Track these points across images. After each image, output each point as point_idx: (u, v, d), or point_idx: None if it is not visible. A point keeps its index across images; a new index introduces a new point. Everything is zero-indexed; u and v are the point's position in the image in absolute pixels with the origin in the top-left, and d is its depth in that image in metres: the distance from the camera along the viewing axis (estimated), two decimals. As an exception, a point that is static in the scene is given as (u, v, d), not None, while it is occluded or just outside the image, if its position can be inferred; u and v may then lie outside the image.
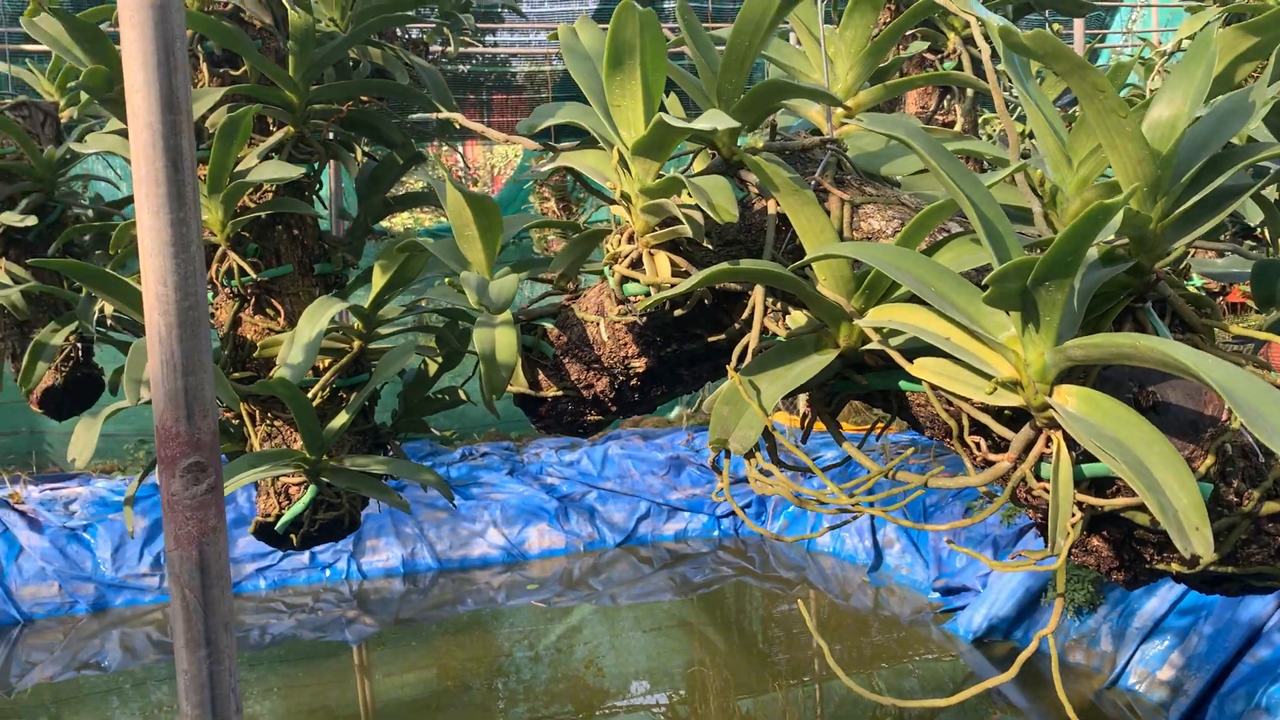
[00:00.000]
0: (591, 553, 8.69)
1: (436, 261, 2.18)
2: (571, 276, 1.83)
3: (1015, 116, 2.98)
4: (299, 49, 2.07)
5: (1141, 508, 1.01)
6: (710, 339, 1.41)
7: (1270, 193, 1.58)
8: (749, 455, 1.20)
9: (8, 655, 7.19)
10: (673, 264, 1.32)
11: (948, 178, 1.02)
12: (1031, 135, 1.67)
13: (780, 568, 8.52)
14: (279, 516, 2.13)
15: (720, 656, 7.14)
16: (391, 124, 2.31)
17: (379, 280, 2.17)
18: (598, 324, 1.63)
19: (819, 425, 1.36)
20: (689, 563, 8.59)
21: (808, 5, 1.55)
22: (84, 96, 2.14)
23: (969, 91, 2.50)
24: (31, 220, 2.70)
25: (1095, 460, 1.03)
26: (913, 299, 1.14)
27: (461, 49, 3.11)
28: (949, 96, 2.56)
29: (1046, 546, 1.08)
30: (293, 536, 2.16)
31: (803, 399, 1.38)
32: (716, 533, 9.04)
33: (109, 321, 2.41)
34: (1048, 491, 1.05)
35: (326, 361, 2.22)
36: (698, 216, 1.21)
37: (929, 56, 2.52)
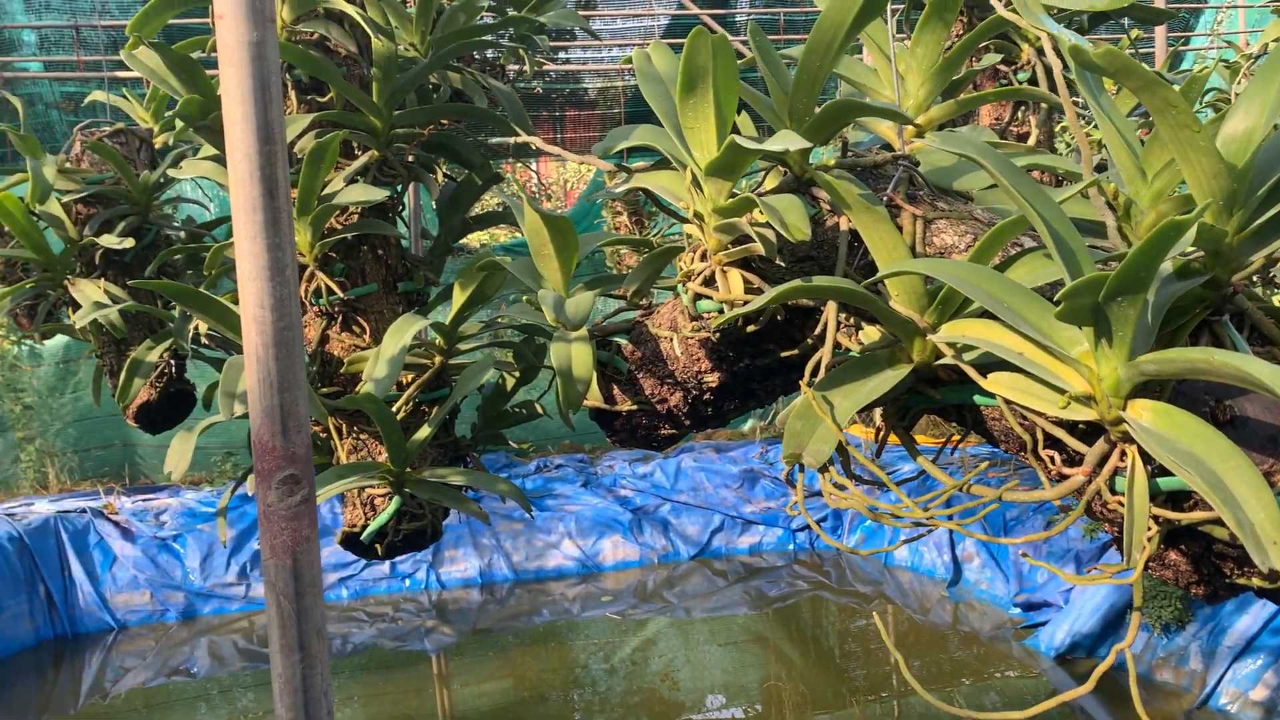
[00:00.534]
0: (665, 565, 8.71)
1: (514, 279, 2.24)
2: (645, 293, 1.87)
3: (1090, 126, 2.95)
4: (382, 75, 2.14)
5: (1219, 522, 1.01)
6: (783, 354, 1.43)
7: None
8: (823, 469, 1.22)
9: (103, 661, 7.45)
10: (745, 281, 1.34)
11: (1019, 195, 1.03)
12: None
13: (857, 582, 8.44)
14: (364, 527, 2.19)
15: (796, 671, 7.09)
16: (470, 146, 2.38)
17: (459, 298, 2.23)
18: (671, 339, 1.66)
19: (893, 439, 1.37)
20: (764, 576, 8.56)
21: (878, 23, 1.56)
22: (179, 124, 2.24)
23: (1042, 103, 2.48)
24: (129, 242, 2.83)
25: (1171, 474, 1.03)
26: (985, 314, 1.15)
27: (535, 68, 3.17)
28: (1023, 107, 2.54)
29: (1123, 559, 1.08)
30: (377, 546, 2.22)
31: (877, 412, 1.39)
32: (792, 546, 9.00)
33: (202, 339, 2.51)
34: (1123, 505, 1.05)
35: (409, 377, 2.29)
36: (770, 234, 1.24)
37: (1002, 68, 2.52)
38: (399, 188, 2.31)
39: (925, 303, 1.20)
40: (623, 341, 1.79)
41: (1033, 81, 2.51)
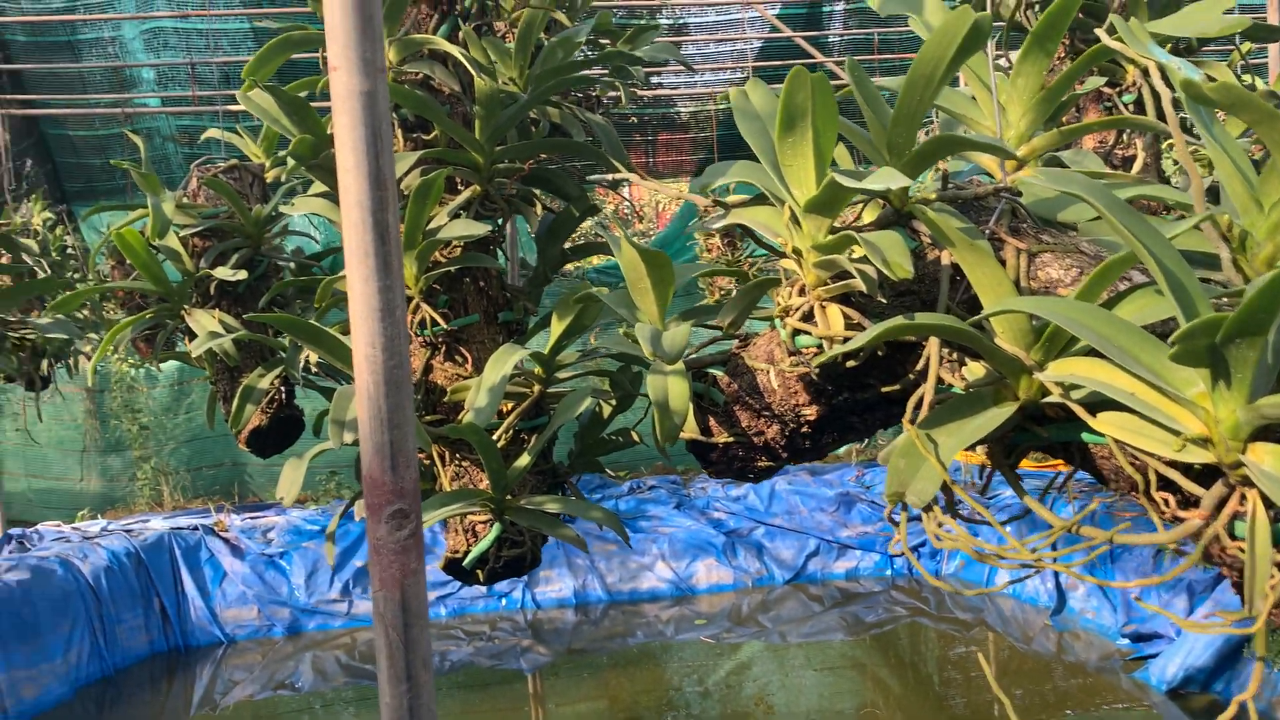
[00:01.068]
0: (760, 589, 8.65)
1: (609, 309, 2.26)
2: (740, 325, 1.88)
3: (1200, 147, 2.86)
4: (485, 113, 2.20)
5: (1347, 571, 0.97)
6: (884, 389, 1.42)
7: None
8: (927, 509, 1.20)
9: (213, 674, 7.71)
10: (845, 316, 1.34)
11: (1128, 232, 1.01)
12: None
13: (957, 609, 8.26)
14: (467, 553, 2.24)
15: (894, 699, 6.96)
16: (568, 178, 2.42)
17: (556, 328, 2.27)
18: (768, 372, 1.66)
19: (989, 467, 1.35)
20: (861, 602, 8.43)
21: (978, 53, 1.55)
22: (291, 161, 2.32)
23: (1152, 123, 2.42)
24: (242, 274, 2.95)
25: (1295, 520, 1.00)
26: (1094, 352, 1.13)
27: (629, 97, 3.21)
28: (1128, 131, 2.48)
29: (1244, 606, 1.04)
30: (479, 572, 2.26)
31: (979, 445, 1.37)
32: (889, 572, 8.85)
33: (312, 368, 2.59)
34: (1243, 552, 1.02)
35: (509, 405, 2.33)
36: (871, 271, 1.23)
37: (1106, 90, 2.46)
38: (499, 221, 2.36)
39: (1031, 340, 1.18)
40: (718, 373, 1.80)
41: (1138, 103, 2.45)
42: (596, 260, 10.82)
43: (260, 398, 2.95)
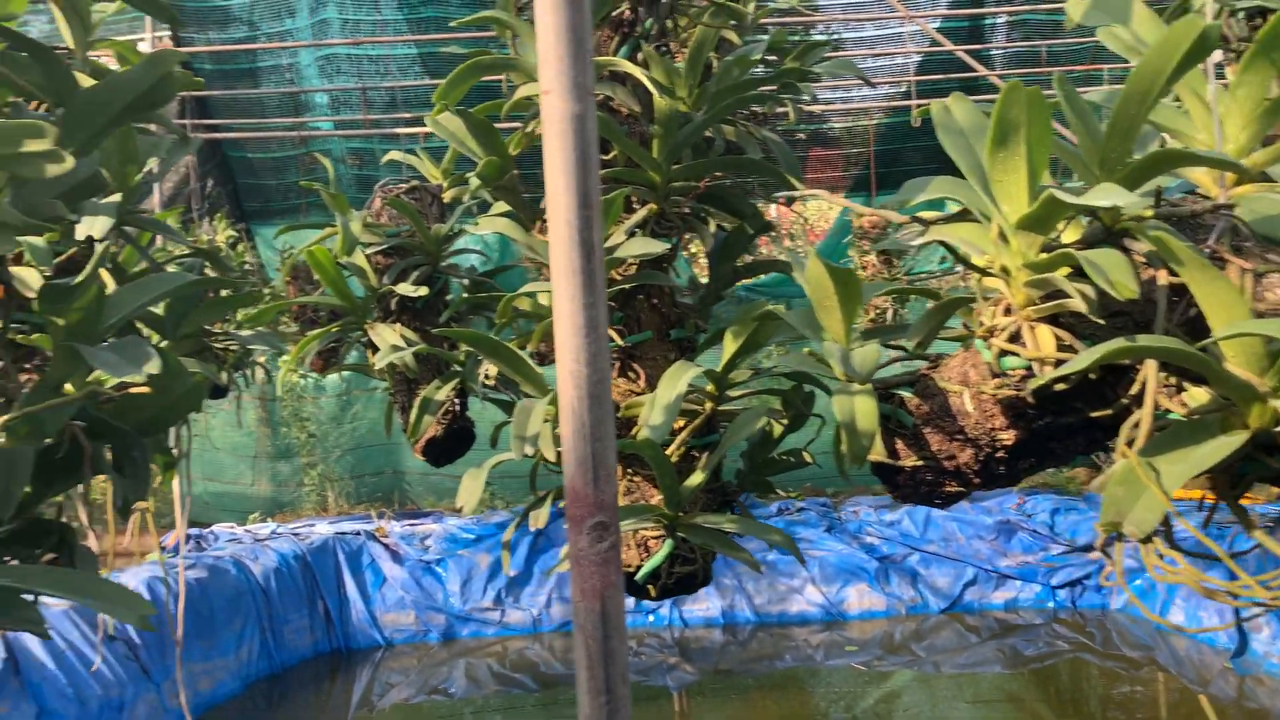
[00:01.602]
0: (913, 617, 8.42)
1: (787, 327, 2.25)
2: (928, 345, 1.83)
3: None
4: (663, 132, 2.22)
5: None
6: (1093, 414, 1.36)
7: None
8: (1146, 540, 1.15)
9: (372, 676, 7.99)
10: (1056, 338, 1.29)
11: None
12: None
13: (1124, 646, 7.85)
14: (638, 568, 2.25)
15: (1054, 737, 6.68)
16: (742, 196, 2.42)
17: (730, 345, 2.26)
18: (962, 394, 1.62)
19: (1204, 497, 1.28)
20: (1020, 634, 8.11)
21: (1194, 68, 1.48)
22: (473, 181, 2.40)
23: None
24: (423, 290, 3.06)
25: None
26: (1340, 379, 1.05)
27: (798, 113, 3.19)
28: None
29: None
30: (650, 588, 2.28)
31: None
32: (1051, 604, 8.49)
33: (487, 381, 2.67)
34: None
35: (681, 422, 2.34)
36: (1089, 291, 1.19)
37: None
38: (674, 240, 2.38)
39: (1265, 364, 1.12)
40: (906, 394, 1.76)
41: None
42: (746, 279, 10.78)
43: (437, 409, 3.05)
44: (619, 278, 2.31)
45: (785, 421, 2.49)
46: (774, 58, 3.09)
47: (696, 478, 2.23)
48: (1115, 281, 1.11)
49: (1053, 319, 1.34)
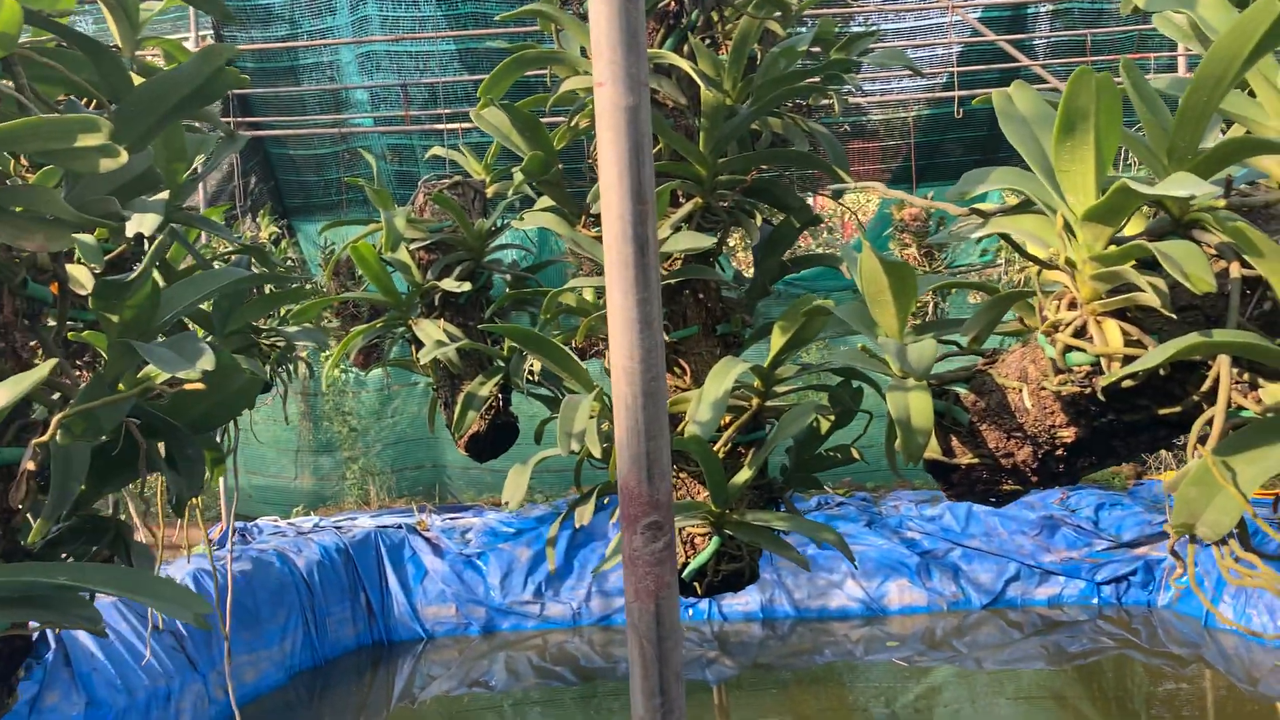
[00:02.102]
0: (955, 613, 8.34)
1: (836, 322, 2.22)
2: (984, 339, 1.80)
3: None
4: (709, 125, 2.20)
5: None
6: (1160, 411, 1.32)
7: None
8: (1221, 542, 1.11)
9: (413, 668, 8.04)
10: (1124, 333, 1.26)
11: None
12: None
13: (1171, 643, 7.73)
14: (685, 565, 2.23)
15: (1097, 734, 6.59)
16: (788, 189, 2.39)
17: (778, 341, 2.23)
18: (1020, 390, 1.58)
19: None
20: (1063, 630, 8.01)
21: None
22: (517, 177, 2.39)
23: None
24: (466, 286, 3.06)
25: None
26: None
27: (843, 104, 3.15)
28: None
29: None
30: (696, 585, 2.26)
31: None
32: (1096, 600, 8.37)
33: (535, 377, 2.66)
34: None
35: (728, 418, 2.32)
36: (1160, 284, 1.15)
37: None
38: (719, 234, 2.35)
39: (1348, 361, 1.07)
40: (961, 391, 1.72)
41: None
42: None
43: (481, 404, 3.05)
44: (665, 273, 2.29)
45: (832, 418, 2.45)
46: (818, 49, 3.06)
47: (743, 474, 2.21)
48: (1191, 274, 1.07)
49: (1120, 314, 1.30)
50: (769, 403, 2.39)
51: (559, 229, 2.32)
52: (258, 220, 8.35)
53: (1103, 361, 1.27)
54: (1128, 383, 1.29)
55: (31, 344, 1.39)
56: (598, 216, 2.31)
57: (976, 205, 1.59)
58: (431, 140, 9.24)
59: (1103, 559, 8.36)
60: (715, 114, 2.22)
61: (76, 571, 1.15)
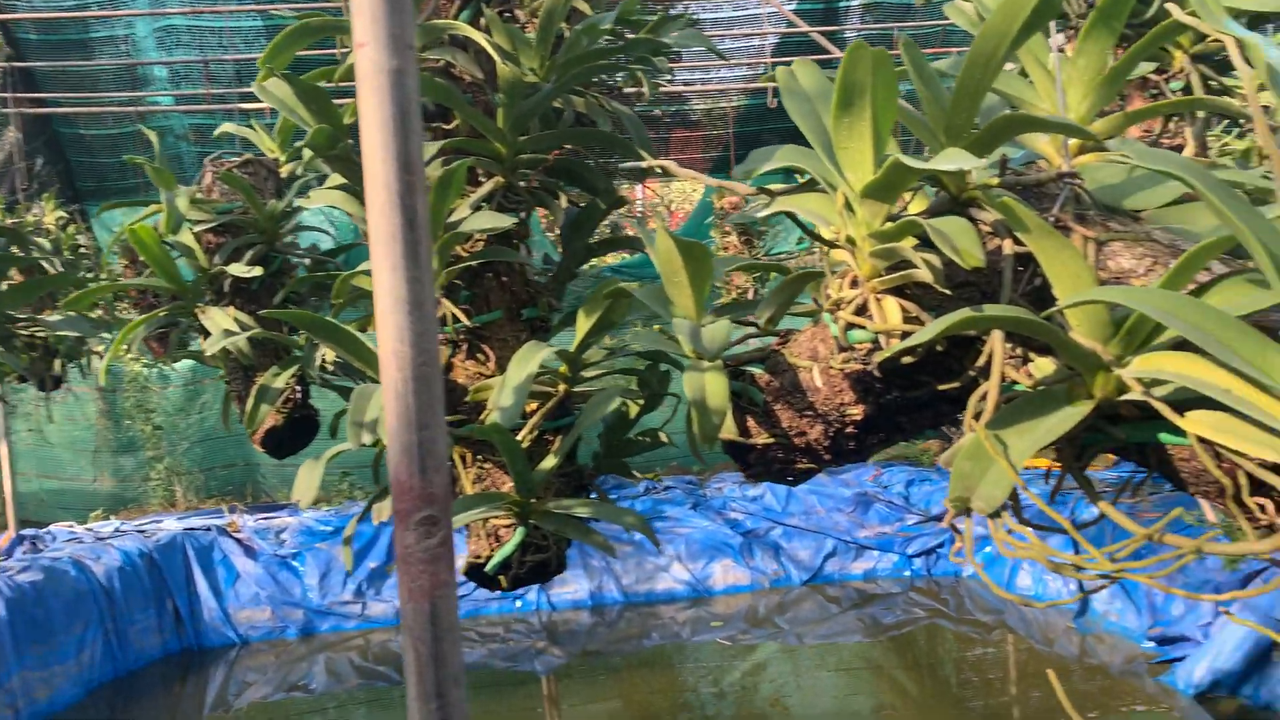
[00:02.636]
0: (777, 590, 8.56)
1: (640, 305, 2.18)
2: (778, 320, 1.79)
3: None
4: (508, 101, 2.12)
5: None
6: (940, 387, 1.33)
7: None
8: (995, 514, 1.12)
9: (227, 675, 7.65)
10: (903, 310, 1.26)
11: (1230, 213, 0.92)
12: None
13: (977, 611, 8.16)
14: (489, 558, 2.16)
15: (912, 701, 6.88)
16: (594, 170, 2.34)
17: (583, 325, 2.18)
18: (811, 370, 1.58)
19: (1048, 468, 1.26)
20: (879, 603, 8.34)
21: (1037, 34, 1.46)
22: (307, 153, 2.25)
23: (1198, 113, 2.33)
24: (257, 271, 2.87)
25: None
26: (1180, 345, 1.04)
27: (653, 90, 3.13)
28: (1176, 118, 2.39)
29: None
30: (501, 579, 2.19)
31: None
32: (908, 573, 8.75)
33: (328, 367, 2.52)
34: (1353, 563, 0.93)
35: (533, 405, 2.25)
36: (935, 260, 1.15)
37: (1153, 77, 2.37)
38: (523, 214, 2.28)
39: (1110, 333, 1.10)
40: (757, 371, 1.71)
41: (1186, 90, 2.35)
42: (612, 258, 10.74)
43: (275, 397, 2.88)
44: (465, 254, 2.20)
45: (641, 402, 2.42)
46: (630, 33, 3.02)
47: (549, 462, 2.15)
48: (961, 249, 1.07)
49: (899, 291, 1.30)
50: (576, 388, 2.34)
51: (349, 208, 2.20)
52: (43, 203, 7.74)
53: (882, 339, 1.26)
54: (908, 359, 1.29)
55: None
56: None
57: (767, 186, 1.58)
58: (240, 121, 8.76)
59: (913, 533, 8.74)
60: (513, 90, 2.14)
61: None
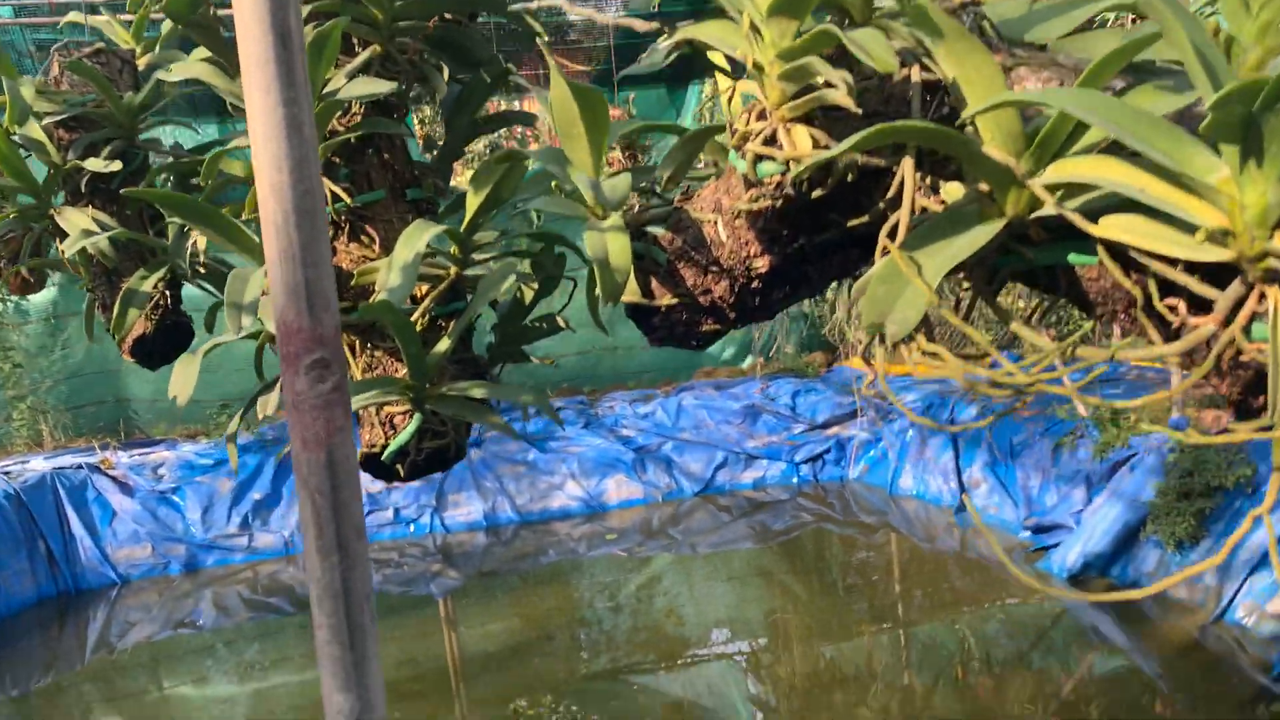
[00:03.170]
0: (670, 503, 8.66)
1: (533, 182, 2.10)
2: (680, 180, 1.74)
3: None
4: (383, -39, 1.99)
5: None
6: (850, 224, 1.31)
7: None
8: (909, 338, 1.10)
9: (108, 615, 7.38)
10: (812, 138, 1.22)
11: (1159, 3, 0.90)
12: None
13: (862, 513, 8.41)
14: (384, 447, 2.08)
15: (801, 604, 7.07)
16: (479, 41, 2.23)
17: (473, 201, 2.09)
18: (715, 223, 1.54)
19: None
20: (768, 510, 8.52)
21: None
22: (166, 27, 2.08)
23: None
24: (116, 165, 2.67)
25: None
26: (1094, 153, 1.02)
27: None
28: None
29: (1269, 411, 0.97)
30: (399, 467, 2.11)
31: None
32: (795, 480, 8.95)
33: (200, 265, 2.37)
34: (1262, 353, 0.94)
35: (424, 289, 2.16)
36: (848, 76, 1.11)
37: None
38: (403, 85, 2.16)
39: (1022, 146, 1.08)
40: (659, 232, 1.66)
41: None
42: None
43: (144, 302, 2.70)
44: (342, 128, 2.07)
45: (535, 286, 2.36)
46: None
47: (443, 344, 2.07)
48: (874, 55, 1.03)
49: (808, 120, 1.26)
50: (468, 271, 2.25)
51: (214, 80, 2.04)
52: None
53: (792, 166, 1.22)
54: (819, 192, 1.26)
55: None
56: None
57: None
58: (90, 38, 8.20)
59: (800, 441, 8.93)
60: (388, -50, 2.01)
61: None
